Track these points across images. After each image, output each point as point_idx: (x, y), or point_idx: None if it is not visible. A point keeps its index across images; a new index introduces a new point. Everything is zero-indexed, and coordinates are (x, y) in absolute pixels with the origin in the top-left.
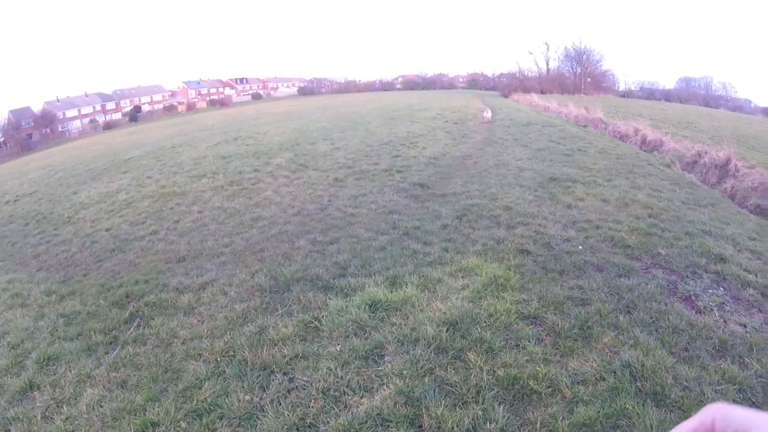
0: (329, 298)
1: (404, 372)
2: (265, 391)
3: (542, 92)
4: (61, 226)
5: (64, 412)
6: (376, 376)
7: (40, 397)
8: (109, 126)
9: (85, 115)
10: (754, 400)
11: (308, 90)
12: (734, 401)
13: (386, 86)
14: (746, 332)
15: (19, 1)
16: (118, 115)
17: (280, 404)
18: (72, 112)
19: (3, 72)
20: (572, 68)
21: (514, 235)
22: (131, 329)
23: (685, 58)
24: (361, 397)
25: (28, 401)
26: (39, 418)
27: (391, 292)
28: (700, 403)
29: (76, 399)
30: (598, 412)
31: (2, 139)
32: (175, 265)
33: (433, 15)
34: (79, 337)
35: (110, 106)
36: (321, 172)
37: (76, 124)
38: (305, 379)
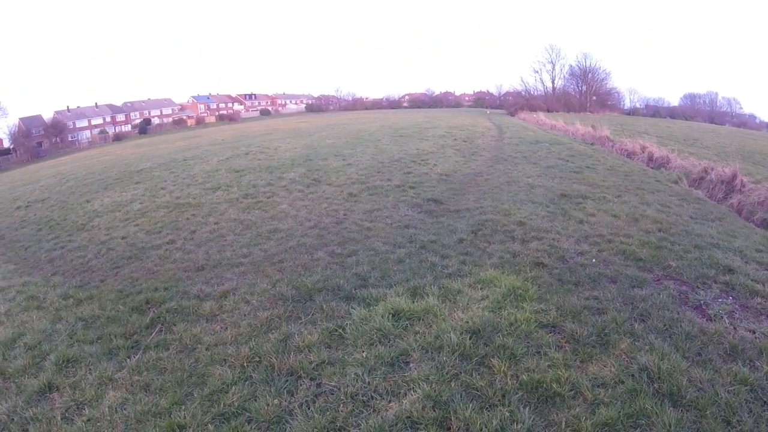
0: (352, 308)
1: (430, 377)
2: (293, 395)
3: (548, 111)
4: (75, 232)
5: (85, 414)
6: (402, 381)
7: (59, 398)
8: (118, 137)
9: (95, 126)
10: (765, 399)
11: (316, 107)
12: (746, 401)
13: (393, 104)
14: (755, 337)
15: (29, 12)
16: (127, 127)
17: (309, 408)
18: (82, 123)
19: (14, 80)
20: (578, 86)
21: (529, 249)
22: (153, 334)
23: (689, 74)
24: (389, 401)
25: (46, 402)
26: (59, 418)
27: (413, 302)
28: (715, 403)
29: (97, 401)
30: (619, 412)
31: (12, 146)
32: (194, 273)
33: (439, 31)
34: (99, 341)
35: (120, 117)
36: (335, 187)
37: (86, 135)
38: (333, 384)
